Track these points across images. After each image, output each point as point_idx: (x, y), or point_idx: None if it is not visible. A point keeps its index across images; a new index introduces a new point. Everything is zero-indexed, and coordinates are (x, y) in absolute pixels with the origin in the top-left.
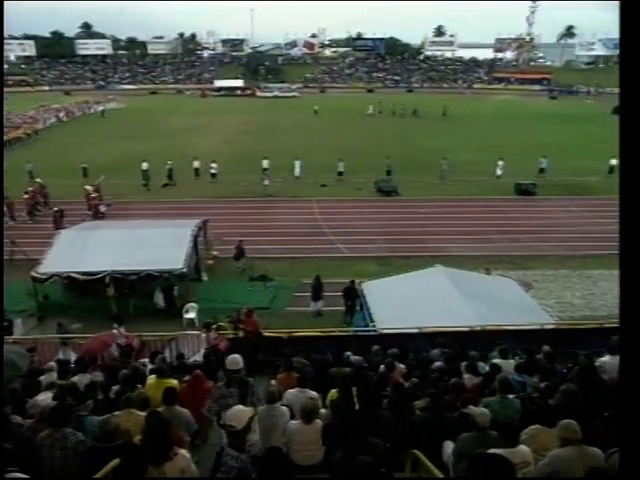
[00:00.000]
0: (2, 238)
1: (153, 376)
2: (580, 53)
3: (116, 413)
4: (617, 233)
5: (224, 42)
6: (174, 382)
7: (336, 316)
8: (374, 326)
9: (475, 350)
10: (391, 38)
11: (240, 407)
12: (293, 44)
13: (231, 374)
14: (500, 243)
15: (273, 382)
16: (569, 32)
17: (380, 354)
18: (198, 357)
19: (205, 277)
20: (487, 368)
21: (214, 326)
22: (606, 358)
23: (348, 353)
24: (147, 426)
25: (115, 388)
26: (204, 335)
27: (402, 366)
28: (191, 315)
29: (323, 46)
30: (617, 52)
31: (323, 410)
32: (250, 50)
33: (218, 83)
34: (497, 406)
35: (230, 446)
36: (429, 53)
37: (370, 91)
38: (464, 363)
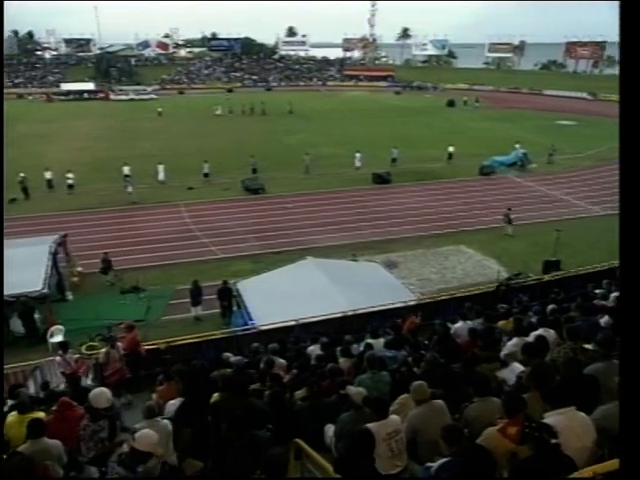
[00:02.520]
0: (2, 237)
1: (14, 413)
2: (416, 53)
3: None
4: (473, 214)
5: (67, 42)
6: (40, 414)
7: (217, 319)
8: (253, 324)
9: (350, 334)
10: (246, 38)
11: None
12: (145, 44)
13: (100, 411)
14: (364, 230)
15: (154, 396)
16: (405, 34)
17: (261, 351)
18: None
19: (70, 296)
20: (361, 349)
21: (83, 346)
22: (459, 324)
23: (228, 354)
24: (6, 470)
25: None
26: (58, 358)
27: (282, 360)
28: (57, 339)
29: (178, 46)
30: (445, 52)
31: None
32: (98, 51)
33: (65, 86)
34: (369, 382)
35: (120, 464)
36: (283, 52)
37: (230, 91)
38: (339, 348)
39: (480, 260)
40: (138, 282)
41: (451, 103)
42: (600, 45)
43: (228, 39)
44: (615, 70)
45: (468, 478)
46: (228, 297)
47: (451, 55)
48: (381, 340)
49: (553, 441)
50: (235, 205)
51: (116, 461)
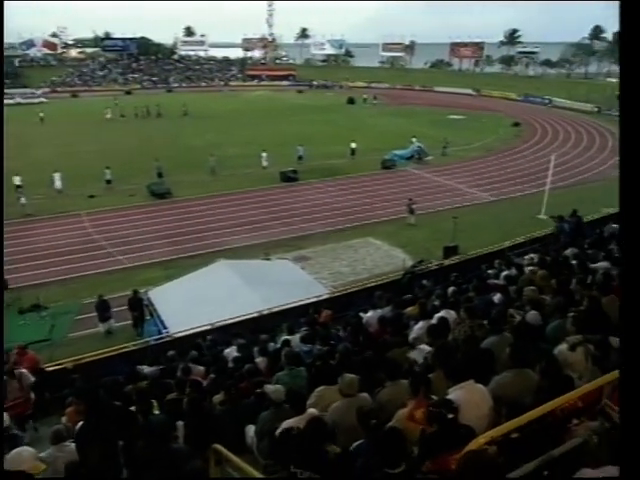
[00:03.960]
0: (2, 242)
1: None
2: (315, 52)
3: None
4: (378, 207)
5: None
6: None
7: (129, 331)
8: (167, 332)
9: (267, 332)
10: (142, 38)
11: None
12: (30, 44)
13: None
14: (275, 229)
15: (64, 419)
16: (304, 34)
17: (177, 359)
18: None
19: None
20: (278, 346)
21: None
22: (369, 313)
23: (142, 367)
24: None
25: None
26: None
27: (199, 366)
28: None
29: (67, 46)
30: (342, 51)
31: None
32: None
33: None
34: (287, 379)
35: None
36: (183, 53)
37: (128, 93)
38: (256, 348)
39: (387, 250)
40: (39, 300)
41: (351, 101)
42: (479, 45)
43: (123, 39)
44: (493, 68)
45: (380, 458)
46: (139, 307)
47: (348, 54)
48: (297, 335)
49: (450, 416)
50: (142, 211)
51: None
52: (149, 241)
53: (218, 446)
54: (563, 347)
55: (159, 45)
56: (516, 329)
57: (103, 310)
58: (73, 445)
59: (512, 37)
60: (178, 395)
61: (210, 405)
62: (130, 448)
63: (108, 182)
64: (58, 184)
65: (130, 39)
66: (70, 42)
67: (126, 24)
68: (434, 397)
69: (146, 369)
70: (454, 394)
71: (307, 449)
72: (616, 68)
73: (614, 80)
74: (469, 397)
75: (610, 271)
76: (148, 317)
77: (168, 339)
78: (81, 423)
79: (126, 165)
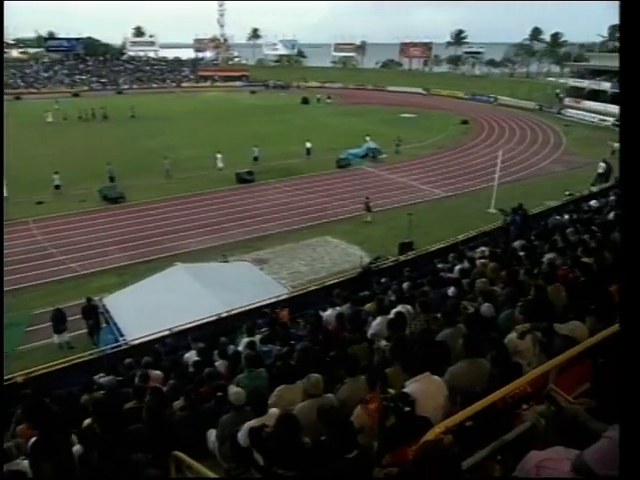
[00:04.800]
0: (2, 238)
1: None
2: (267, 52)
3: None
4: (335, 205)
5: None
6: None
7: (84, 340)
8: (124, 339)
9: (227, 335)
10: (89, 38)
11: None
12: None
13: None
14: (233, 230)
15: (14, 436)
16: (255, 34)
17: (135, 366)
18: None
19: None
20: (239, 349)
21: None
22: (328, 312)
23: (98, 376)
24: None
25: None
26: None
27: (158, 372)
28: None
29: (8, 46)
30: (295, 51)
31: (76, 447)
32: None
33: None
34: (247, 381)
35: None
36: (132, 53)
37: (76, 95)
38: (216, 351)
39: (345, 248)
40: None
41: (305, 100)
42: (428, 46)
43: (68, 39)
44: (441, 68)
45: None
46: (94, 315)
47: (301, 54)
48: (258, 336)
49: (406, 409)
50: (94, 217)
51: None
52: (102, 247)
53: (178, 453)
54: (513, 335)
55: (107, 45)
56: (469, 320)
57: (59, 321)
58: (24, 462)
59: (458, 38)
60: (137, 403)
61: (170, 411)
62: (86, 460)
63: (57, 187)
64: (3, 191)
65: (76, 39)
66: (11, 42)
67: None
68: (391, 391)
69: (102, 379)
70: (411, 387)
71: (283, 445)
72: (554, 68)
73: (553, 79)
74: (425, 389)
75: (554, 261)
76: (104, 325)
77: (125, 347)
78: (34, 439)
79: (75, 170)
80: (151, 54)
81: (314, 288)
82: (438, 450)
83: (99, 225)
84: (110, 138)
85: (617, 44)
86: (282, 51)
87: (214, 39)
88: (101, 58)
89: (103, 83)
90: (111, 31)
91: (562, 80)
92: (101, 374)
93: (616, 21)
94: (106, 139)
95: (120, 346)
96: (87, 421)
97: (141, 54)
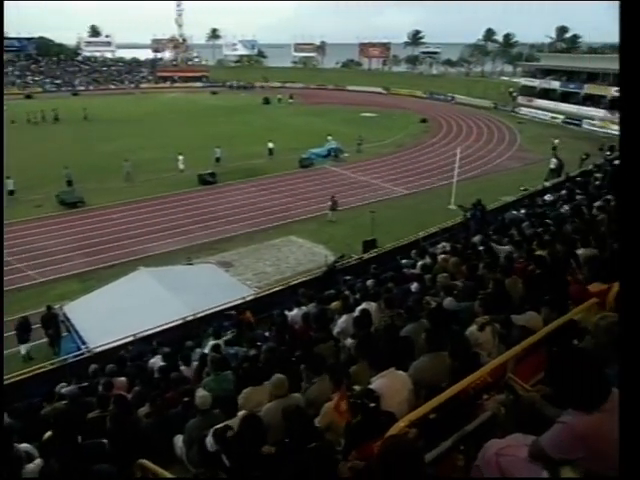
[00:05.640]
0: (2, 239)
1: None
2: (227, 53)
3: None
4: (299, 205)
5: None
6: None
7: (45, 350)
8: (87, 347)
9: (193, 339)
10: (41, 38)
11: None
12: None
13: None
14: (197, 233)
15: None
16: (215, 34)
17: (98, 374)
18: None
19: None
20: (205, 352)
21: None
22: (294, 311)
23: (60, 386)
24: None
25: None
26: None
27: (122, 379)
28: None
29: None
30: (255, 52)
31: (37, 461)
32: None
33: None
34: (214, 384)
35: None
36: (87, 54)
37: (29, 97)
38: (181, 355)
39: (310, 247)
40: None
41: (267, 101)
42: (386, 46)
43: (18, 39)
44: (400, 68)
45: (304, 456)
46: (54, 324)
47: (261, 55)
48: (224, 339)
49: (371, 404)
50: (51, 222)
51: None
52: (62, 253)
53: (143, 461)
54: (473, 328)
55: (61, 45)
56: (431, 315)
57: (24, 330)
58: None
59: (415, 38)
60: (100, 412)
61: (135, 419)
62: (47, 473)
63: (11, 193)
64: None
65: (27, 39)
66: None
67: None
68: (357, 387)
69: (64, 388)
70: (376, 383)
71: (243, 449)
72: (508, 68)
73: (507, 78)
74: (391, 384)
75: (511, 254)
76: (65, 334)
77: (88, 355)
78: None
79: (29, 174)
80: (108, 54)
81: (280, 288)
82: (401, 444)
83: (58, 231)
84: (66, 141)
85: (564, 45)
86: (242, 51)
87: (172, 39)
88: (55, 58)
89: (58, 84)
90: (64, 31)
91: (515, 79)
92: (63, 384)
93: (616, 21)
94: (61, 142)
95: (83, 354)
96: (48, 433)
97: (97, 54)
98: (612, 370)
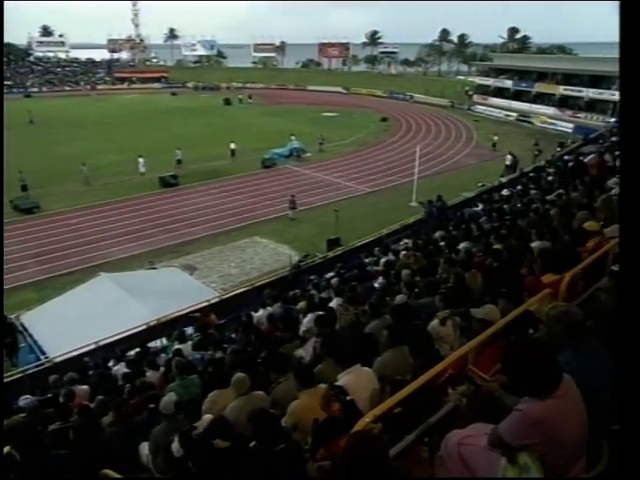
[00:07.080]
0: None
1: None
2: (186, 53)
3: None
4: (262, 205)
5: None
6: None
7: (5, 361)
8: (47, 357)
9: (157, 344)
10: None
11: None
12: None
13: None
14: (159, 236)
15: None
16: (173, 34)
17: (59, 384)
18: None
19: None
20: (170, 356)
21: None
22: (260, 312)
23: (19, 399)
24: None
25: None
26: None
27: (84, 387)
28: None
29: None
30: (214, 52)
31: None
32: None
33: None
34: (179, 389)
35: None
36: (40, 54)
37: None
38: (146, 361)
39: (275, 248)
40: None
41: (227, 101)
42: (345, 46)
43: None
44: (359, 67)
45: (272, 458)
46: (11, 334)
47: (220, 55)
48: (189, 343)
49: (348, 398)
50: (6, 229)
51: None
52: (17, 261)
53: (106, 471)
54: (434, 322)
55: (10, 45)
56: (393, 311)
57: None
58: None
59: (373, 38)
60: (62, 424)
61: (99, 428)
62: None
63: None
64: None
65: None
66: None
67: None
68: (322, 385)
69: (22, 401)
70: (343, 379)
71: (210, 452)
72: (463, 67)
73: (462, 77)
74: (357, 380)
75: (470, 249)
76: (23, 344)
77: (48, 365)
78: None
79: None
80: (61, 55)
81: (245, 289)
82: (366, 440)
83: (12, 238)
84: (21, 145)
85: (515, 45)
86: (201, 52)
87: (129, 39)
88: (5, 59)
89: (9, 86)
90: (13, 30)
91: (470, 78)
92: (23, 396)
93: (615, 21)
94: (14, 146)
95: (42, 365)
96: (6, 449)
97: (50, 55)
98: (563, 357)
